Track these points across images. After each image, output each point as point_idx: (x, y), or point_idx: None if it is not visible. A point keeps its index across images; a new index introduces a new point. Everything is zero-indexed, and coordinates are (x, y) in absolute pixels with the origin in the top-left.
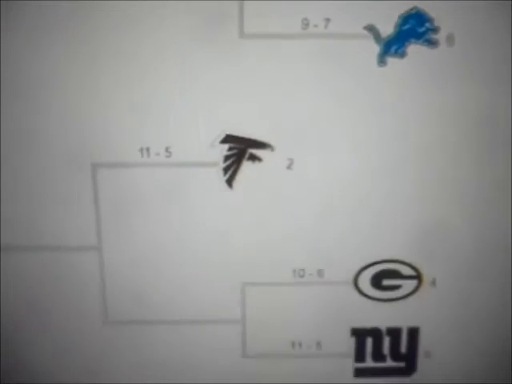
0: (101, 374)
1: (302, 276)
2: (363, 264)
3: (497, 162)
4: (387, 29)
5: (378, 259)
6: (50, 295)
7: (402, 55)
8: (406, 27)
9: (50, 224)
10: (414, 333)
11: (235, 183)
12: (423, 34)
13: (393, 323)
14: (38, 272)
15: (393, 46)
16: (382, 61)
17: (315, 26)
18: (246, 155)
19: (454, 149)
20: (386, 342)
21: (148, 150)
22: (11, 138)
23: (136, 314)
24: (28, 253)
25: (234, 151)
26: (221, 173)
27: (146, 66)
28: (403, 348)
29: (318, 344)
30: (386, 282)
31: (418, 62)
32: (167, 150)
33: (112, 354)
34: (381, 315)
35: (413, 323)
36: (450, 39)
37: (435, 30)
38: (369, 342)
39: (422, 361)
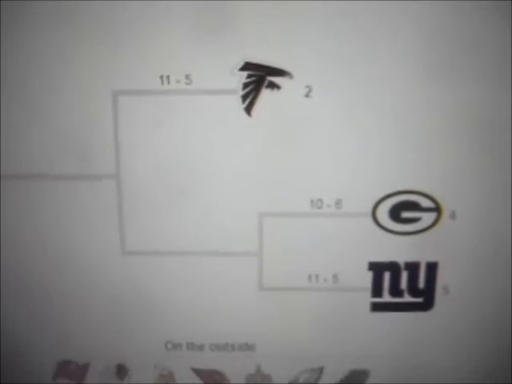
0: (119, 304)
1: (319, 207)
2: (382, 195)
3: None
4: None
5: (397, 190)
6: (69, 223)
7: None
8: None
9: (71, 151)
10: (432, 268)
11: (254, 111)
12: None
13: (411, 258)
14: (56, 201)
15: None
16: None
17: None
18: (265, 83)
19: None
20: (404, 276)
21: (168, 77)
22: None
23: (154, 244)
24: (46, 181)
25: (253, 79)
26: (239, 100)
27: None
28: (421, 283)
29: (335, 277)
30: (404, 215)
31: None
32: (187, 77)
33: (130, 284)
34: (399, 249)
35: (431, 258)
36: None
37: None
38: (386, 276)
39: (439, 297)
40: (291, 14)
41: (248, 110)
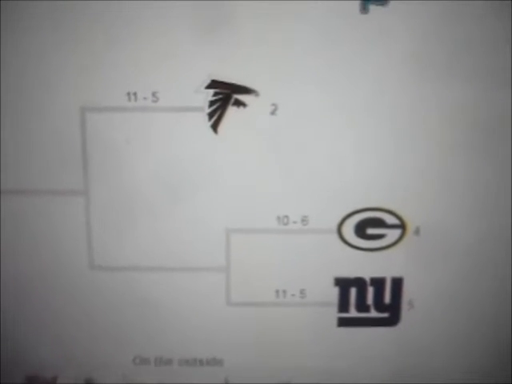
0: (87, 318)
1: (285, 224)
2: (347, 212)
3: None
4: None
5: (362, 207)
6: (36, 239)
7: (384, 4)
8: None
9: (38, 167)
10: (397, 283)
11: (220, 128)
12: None
13: (377, 273)
14: (25, 215)
15: None
16: (364, 8)
17: None
18: (231, 100)
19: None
20: (370, 292)
21: (135, 94)
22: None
23: (120, 259)
24: (15, 196)
25: (219, 96)
26: (206, 118)
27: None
28: (387, 298)
29: (302, 293)
30: (370, 231)
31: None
32: (154, 94)
33: (98, 298)
34: (365, 265)
35: (397, 273)
36: None
37: None
38: (353, 291)
39: (405, 311)
40: (260, 33)
41: (214, 127)
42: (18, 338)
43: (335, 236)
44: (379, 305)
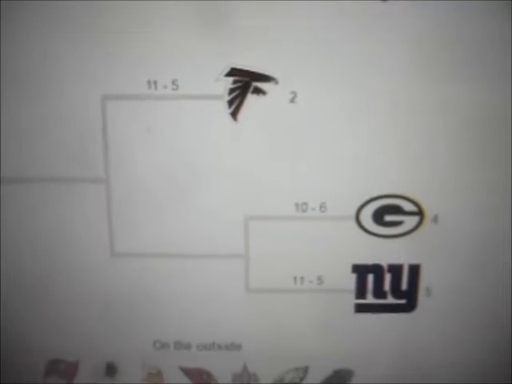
0: (108, 304)
1: (304, 211)
2: (365, 198)
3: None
4: None
5: (381, 194)
6: (59, 226)
7: None
8: None
9: (59, 155)
10: (414, 270)
11: (239, 116)
12: None
13: (394, 260)
14: (46, 203)
15: None
16: None
17: None
18: (251, 88)
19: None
20: (387, 278)
21: (155, 82)
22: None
23: (141, 247)
24: (35, 184)
25: (239, 84)
26: (226, 105)
27: None
28: (404, 285)
29: (320, 279)
30: (387, 218)
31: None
32: (174, 82)
33: (119, 285)
34: (382, 252)
35: (414, 260)
36: None
37: None
38: (370, 278)
39: (422, 298)
40: (278, 20)
41: (234, 115)
42: (40, 323)
43: (353, 223)
44: (396, 291)
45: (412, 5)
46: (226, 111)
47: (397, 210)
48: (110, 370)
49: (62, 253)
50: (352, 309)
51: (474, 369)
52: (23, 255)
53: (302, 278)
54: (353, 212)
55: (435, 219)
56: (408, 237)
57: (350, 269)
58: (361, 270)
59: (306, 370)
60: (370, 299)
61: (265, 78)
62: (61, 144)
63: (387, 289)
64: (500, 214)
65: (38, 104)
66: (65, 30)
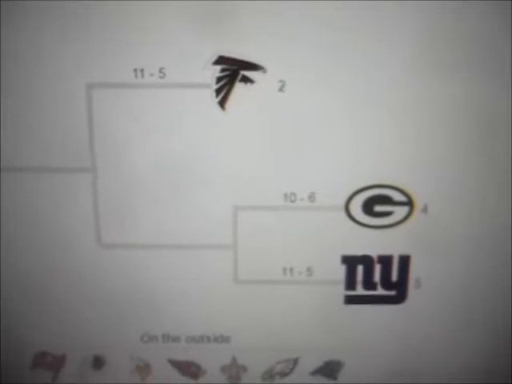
0: (96, 296)
1: (293, 201)
2: (355, 188)
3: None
4: None
5: (370, 184)
6: (43, 217)
7: None
8: None
9: (45, 145)
10: (405, 261)
11: (227, 105)
12: None
13: (384, 251)
14: (33, 193)
15: None
16: None
17: None
18: (239, 77)
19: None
20: (377, 269)
21: (142, 70)
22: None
23: (128, 237)
24: (20, 174)
25: (227, 72)
26: (213, 94)
27: None
28: (394, 276)
29: (309, 270)
30: (377, 208)
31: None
32: (161, 70)
33: (107, 276)
34: (372, 243)
35: (404, 251)
36: None
37: None
38: (360, 269)
39: (412, 289)
40: (266, 8)
41: (222, 103)
42: (26, 316)
43: (343, 213)
44: (386, 282)
45: None
46: (213, 100)
47: (386, 200)
48: (98, 362)
49: (47, 244)
50: (342, 300)
51: (464, 359)
52: (7, 247)
53: (291, 269)
54: (342, 202)
55: (425, 209)
56: (398, 227)
57: (339, 260)
58: (350, 261)
59: (295, 361)
60: (359, 290)
61: (253, 67)
62: (46, 133)
63: (377, 280)
64: (490, 204)
65: (21, 93)
66: (49, 18)
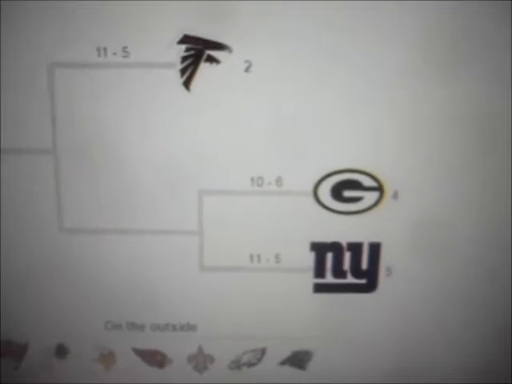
0: (58, 283)
1: (260, 185)
2: (323, 173)
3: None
4: None
5: (339, 168)
6: (3, 201)
7: None
8: None
9: (4, 125)
10: (375, 248)
11: (192, 85)
12: None
13: (354, 238)
14: None
15: None
16: None
17: None
18: (204, 56)
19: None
20: (347, 257)
21: (105, 49)
22: None
23: (91, 222)
24: None
25: (192, 52)
26: (178, 74)
27: None
28: (364, 264)
29: (277, 257)
30: (346, 194)
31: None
32: (124, 49)
33: (69, 262)
34: (342, 229)
35: (374, 239)
36: None
37: None
38: (329, 257)
39: (383, 278)
40: None
41: (186, 84)
42: None
43: (311, 198)
44: (356, 271)
45: None
46: (178, 80)
47: (356, 185)
48: (61, 351)
49: (7, 228)
50: (311, 288)
51: (435, 348)
52: None
53: (258, 256)
54: (310, 187)
55: (395, 195)
56: (368, 213)
57: (308, 247)
58: (319, 248)
59: (263, 351)
60: (329, 279)
61: (218, 46)
62: (6, 114)
63: (347, 268)
64: (461, 191)
65: None
66: None
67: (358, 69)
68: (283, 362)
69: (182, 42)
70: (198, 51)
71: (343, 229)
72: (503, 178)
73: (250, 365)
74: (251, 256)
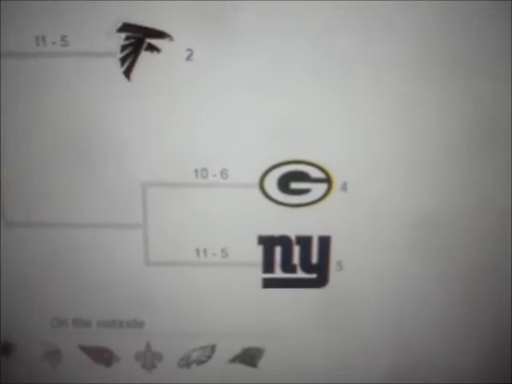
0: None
1: (204, 177)
2: (269, 164)
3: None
4: None
5: (286, 159)
6: None
7: None
8: None
9: None
10: (325, 242)
11: (133, 75)
12: None
13: (302, 231)
14: None
15: None
16: None
17: None
18: (144, 45)
19: None
20: (296, 251)
21: (44, 38)
22: None
23: (33, 215)
24: None
25: (132, 41)
26: (118, 63)
27: None
28: (314, 258)
29: (224, 252)
30: (293, 185)
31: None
32: (63, 38)
33: (11, 257)
34: (290, 222)
35: (324, 232)
36: None
37: None
38: (277, 251)
39: (333, 272)
40: None
41: (127, 73)
42: None
43: (257, 190)
44: (306, 265)
45: None
46: (118, 70)
47: (303, 176)
48: (7, 348)
49: None
50: (259, 283)
51: (388, 345)
52: None
53: (205, 251)
54: (256, 179)
55: (344, 187)
56: (316, 206)
57: (255, 240)
58: (267, 242)
59: (212, 348)
60: (278, 273)
61: (159, 35)
62: None
63: (296, 262)
64: (411, 181)
65: None
66: None
67: (303, 58)
68: (233, 360)
69: (121, 30)
70: (138, 40)
71: (291, 222)
72: (461, 166)
73: (200, 362)
74: (197, 250)
